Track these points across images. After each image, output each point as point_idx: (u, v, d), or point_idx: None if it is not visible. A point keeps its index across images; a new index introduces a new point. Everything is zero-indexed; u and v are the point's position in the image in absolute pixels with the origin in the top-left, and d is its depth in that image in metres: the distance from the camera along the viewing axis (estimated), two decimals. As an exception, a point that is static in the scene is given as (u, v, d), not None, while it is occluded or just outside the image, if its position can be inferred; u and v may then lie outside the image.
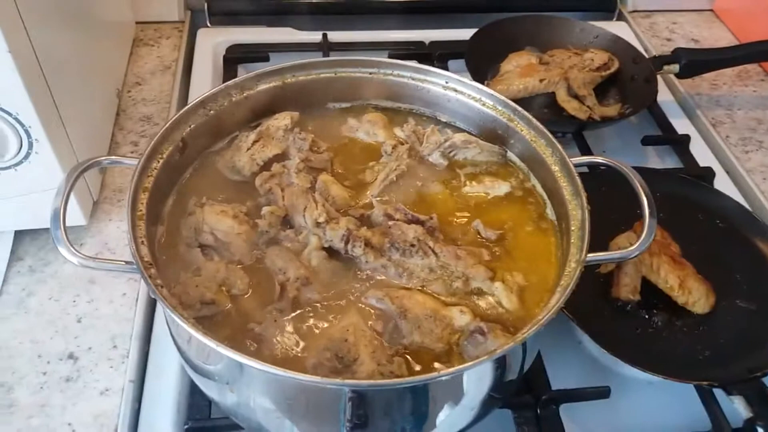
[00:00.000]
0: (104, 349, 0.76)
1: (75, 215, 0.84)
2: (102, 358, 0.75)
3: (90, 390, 0.73)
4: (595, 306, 0.80)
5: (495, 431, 0.72)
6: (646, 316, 0.80)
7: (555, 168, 0.70)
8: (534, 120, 0.73)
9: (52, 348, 0.76)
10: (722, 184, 1.01)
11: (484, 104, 0.78)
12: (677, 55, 1.11)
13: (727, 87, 1.20)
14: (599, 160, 0.71)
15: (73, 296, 0.81)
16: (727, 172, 1.05)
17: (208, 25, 1.29)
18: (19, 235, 0.86)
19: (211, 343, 0.52)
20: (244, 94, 0.77)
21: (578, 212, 0.65)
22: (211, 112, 0.74)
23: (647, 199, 0.65)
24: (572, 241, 0.63)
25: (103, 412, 0.71)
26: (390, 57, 1.18)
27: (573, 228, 0.64)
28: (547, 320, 0.55)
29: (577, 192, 0.66)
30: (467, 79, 0.78)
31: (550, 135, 0.71)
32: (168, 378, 0.74)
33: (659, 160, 1.10)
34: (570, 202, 0.67)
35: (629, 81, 1.12)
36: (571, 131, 1.06)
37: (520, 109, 0.75)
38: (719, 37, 1.33)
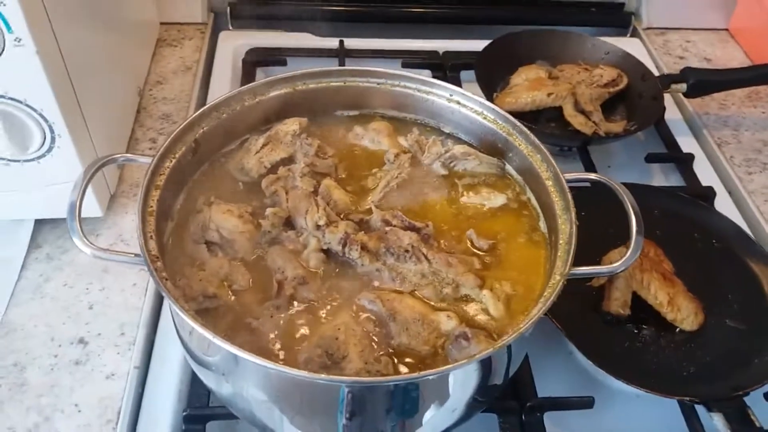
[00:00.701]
0: (113, 336, 0.80)
1: (92, 207, 0.88)
2: (110, 344, 0.79)
3: (97, 373, 0.77)
4: (585, 318, 0.83)
5: (480, 434, 0.75)
6: (635, 331, 0.82)
7: (549, 182, 0.73)
8: (531, 135, 0.75)
9: (64, 332, 0.80)
10: (723, 204, 1.03)
11: (485, 117, 0.81)
12: (685, 74, 1.12)
13: (735, 107, 1.21)
14: (591, 176, 0.73)
15: (86, 284, 0.85)
16: (729, 193, 1.06)
17: (230, 28, 1.34)
18: (39, 224, 0.91)
19: (208, 335, 0.55)
20: (256, 99, 0.80)
21: (567, 227, 0.67)
22: (224, 115, 0.78)
23: (635, 216, 0.67)
24: (559, 254, 0.65)
25: (108, 395, 0.75)
26: (404, 65, 1.23)
27: (561, 242, 0.67)
28: (526, 329, 0.57)
29: (567, 207, 0.68)
30: (470, 93, 0.81)
31: (545, 150, 0.73)
32: (171, 366, 0.78)
33: (663, 177, 1.11)
34: (560, 216, 0.69)
35: (637, 98, 1.14)
36: (577, 146, 1.08)
37: (519, 123, 0.77)
38: (732, 57, 1.34)
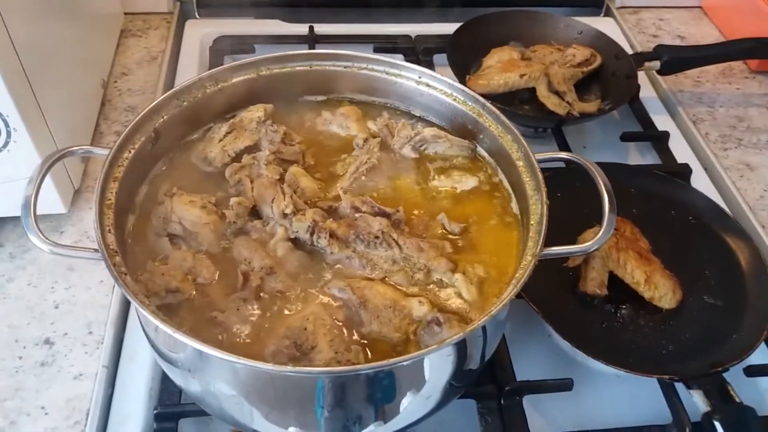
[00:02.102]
0: (80, 335, 0.78)
1: (55, 203, 0.85)
2: (77, 344, 0.77)
3: (64, 374, 0.74)
4: (562, 300, 0.82)
5: (459, 421, 0.74)
6: (613, 311, 0.81)
7: (520, 163, 0.71)
8: (501, 115, 0.74)
9: (29, 333, 0.78)
10: (699, 180, 1.02)
11: (455, 99, 0.79)
12: (658, 51, 1.11)
13: (710, 84, 1.21)
14: (562, 155, 0.72)
15: (51, 283, 0.83)
16: (705, 169, 1.06)
17: (197, 16, 1.31)
18: (0, 223, 0.88)
19: (169, 330, 0.53)
20: (219, 86, 0.78)
21: (538, 207, 0.66)
22: (185, 103, 0.75)
23: (608, 195, 0.66)
24: (530, 235, 0.64)
25: (75, 396, 0.73)
26: (375, 50, 1.21)
27: (533, 222, 0.65)
28: (498, 311, 0.56)
29: (538, 187, 0.67)
30: (439, 75, 0.79)
31: (515, 130, 0.72)
32: (141, 364, 0.76)
33: (639, 156, 1.10)
34: (531, 197, 0.68)
35: (611, 77, 1.13)
36: (551, 127, 1.07)
37: (488, 104, 0.76)
38: (706, 34, 1.34)
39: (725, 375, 0.73)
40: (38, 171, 0.65)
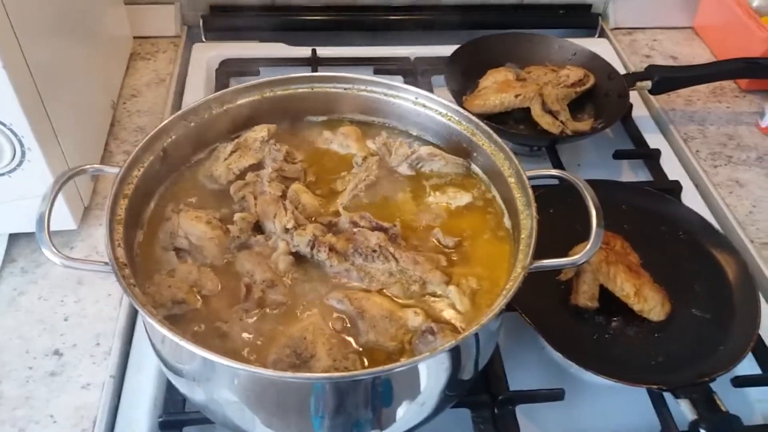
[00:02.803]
0: (88, 346, 0.81)
1: (66, 220, 0.89)
2: (85, 355, 0.80)
3: (73, 384, 0.77)
4: (555, 312, 0.84)
5: (453, 429, 0.76)
6: (604, 323, 0.84)
7: (511, 180, 0.74)
8: (494, 134, 0.77)
9: (40, 344, 0.81)
10: (690, 197, 1.05)
11: (450, 119, 0.82)
12: (649, 71, 1.15)
13: (701, 103, 1.24)
14: (552, 172, 0.75)
15: (61, 296, 0.86)
16: (696, 186, 1.08)
17: (204, 40, 1.35)
18: (13, 238, 0.91)
19: (175, 338, 0.56)
20: (224, 108, 0.82)
21: (528, 222, 0.69)
22: (192, 124, 0.79)
23: (595, 209, 0.69)
24: (521, 248, 0.67)
25: (83, 405, 0.75)
26: (376, 72, 1.25)
27: (523, 236, 0.68)
28: (488, 320, 0.59)
29: (528, 203, 0.70)
30: (435, 96, 0.83)
31: (507, 149, 0.75)
32: (146, 374, 0.79)
33: (632, 173, 1.13)
34: (522, 212, 0.71)
35: (603, 97, 1.16)
36: (545, 145, 1.10)
37: (482, 124, 0.79)
38: (697, 54, 1.37)
39: (712, 385, 0.75)
40: (52, 189, 0.68)
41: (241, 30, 1.36)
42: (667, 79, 1.15)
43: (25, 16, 0.76)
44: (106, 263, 0.63)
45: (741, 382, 0.80)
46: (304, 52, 1.29)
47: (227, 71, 1.25)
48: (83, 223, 0.94)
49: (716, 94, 1.26)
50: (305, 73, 0.86)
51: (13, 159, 0.80)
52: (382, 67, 1.27)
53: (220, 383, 0.62)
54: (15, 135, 0.78)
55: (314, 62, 1.26)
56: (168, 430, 0.73)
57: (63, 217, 0.88)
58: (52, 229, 0.66)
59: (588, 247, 0.67)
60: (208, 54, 1.29)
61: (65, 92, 0.90)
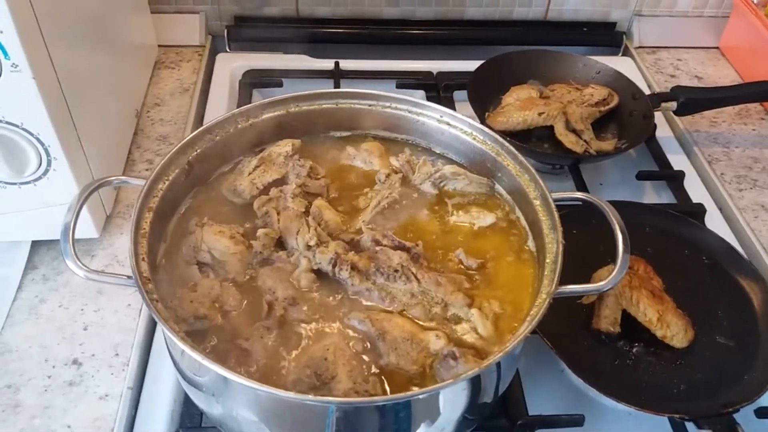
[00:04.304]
0: (107, 357, 0.81)
1: (88, 228, 0.89)
2: (104, 365, 0.80)
3: (91, 394, 0.77)
4: (576, 336, 0.83)
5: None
6: (626, 348, 0.83)
7: (537, 202, 0.74)
8: (519, 155, 0.77)
9: (59, 353, 0.81)
10: (714, 221, 1.04)
11: (474, 138, 0.82)
12: (675, 92, 1.14)
13: (726, 125, 1.22)
14: (578, 195, 0.74)
15: (81, 305, 0.86)
16: (720, 209, 1.07)
17: (228, 50, 1.36)
18: (36, 246, 0.92)
19: (197, 356, 0.56)
20: (249, 122, 0.82)
21: (554, 246, 0.68)
22: (217, 137, 0.79)
23: (622, 234, 0.68)
24: (546, 273, 0.66)
25: (101, 416, 0.75)
26: (398, 86, 1.25)
27: (548, 261, 0.68)
28: (513, 348, 0.58)
29: (554, 226, 0.69)
30: (460, 114, 0.82)
31: (533, 170, 0.75)
32: (164, 387, 0.79)
33: (655, 194, 1.12)
34: (548, 235, 0.70)
35: (628, 116, 1.15)
36: (568, 164, 1.09)
37: (507, 144, 0.78)
38: (723, 75, 1.36)
39: (735, 416, 0.74)
40: (77, 199, 0.68)
41: (265, 41, 1.36)
42: (693, 100, 1.13)
43: (54, 26, 0.77)
44: (129, 277, 0.63)
45: (765, 413, 0.79)
46: (327, 64, 1.29)
47: (250, 82, 1.25)
48: (104, 232, 0.94)
49: (742, 116, 1.24)
50: (330, 89, 0.86)
51: (39, 168, 0.80)
52: (405, 81, 1.27)
53: (239, 401, 0.62)
54: (41, 144, 0.78)
55: (337, 75, 1.26)
56: (184, 445, 0.73)
57: (85, 226, 0.88)
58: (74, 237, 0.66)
59: (614, 273, 0.66)
60: (232, 64, 1.30)
61: (91, 101, 0.90)
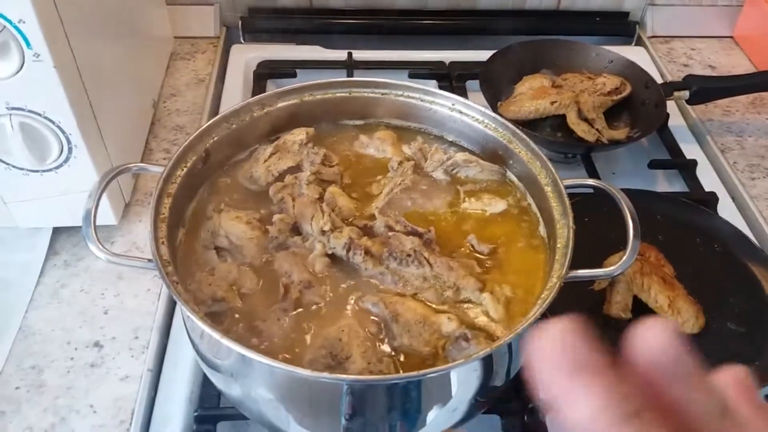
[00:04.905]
0: (127, 339, 0.83)
1: (107, 215, 0.91)
2: (124, 348, 0.82)
3: (112, 376, 0.79)
4: (586, 321, 0.84)
5: (483, 435, 0.77)
6: (637, 334, 0.83)
7: (548, 188, 0.75)
8: (531, 142, 0.77)
9: (81, 336, 0.83)
10: (726, 209, 1.04)
11: (486, 126, 0.83)
12: (687, 81, 1.14)
13: (739, 114, 1.22)
14: (589, 182, 0.75)
15: (102, 290, 0.88)
16: (733, 198, 1.07)
17: (242, 41, 1.37)
18: (57, 232, 0.94)
19: (216, 335, 0.58)
20: (265, 110, 0.83)
21: (564, 231, 0.69)
22: (234, 125, 0.81)
23: (632, 220, 0.69)
24: (557, 257, 0.67)
25: (122, 397, 0.77)
26: (410, 76, 1.26)
27: (559, 246, 0.68)
28: (523, 330, 0.59)
29: (565, 212, 0.70)
30: (472, 102, 0.83)
31: (544, 157, 0.75)
32: (183, 369, 0.81)
33: (667, 183, 1.12)
34: (559, 221, 0.71)
35: (640, 105, 1.15)
36: (580, 153, 1.10)
37: (519, 131, 0.79)
38: (737, 64, 1.35)
39: (746, 400, 0.75)
40: (98, 186, 0.70)
41: (279, 33, 1.38)
42: (706, 89, 1.13)
43: (74, 17, 0.79)
44: (150, 260, 0.65)
45: (776, 398, 0.79)
46: (341, 55, 1.30)
47: (265, 72, 1.27)
48: (123, 219, 0.96)
49: (755, 105, 1.24)
50: (344, 77, 0.87)
51: (60, 155, 0.82)
52: (417, 71, 1.27)
53: (257, 380, 0.64)
54: (63, 132, 0.80)
55: (350, 65, 1.27)
56: (203, 424, 0.75)
57: (105, 213, 0.91)
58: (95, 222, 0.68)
59: (624, 258, 0.67)
60: (247, 55, 1.31)
61: (110, 91, 0.92)
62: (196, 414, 0.76)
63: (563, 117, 1.11)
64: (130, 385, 0.79)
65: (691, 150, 1.15)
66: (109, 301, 0.87)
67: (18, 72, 0.73)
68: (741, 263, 0.91)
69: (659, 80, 1.20)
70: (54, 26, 0.75)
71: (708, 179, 1.09)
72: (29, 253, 0.91)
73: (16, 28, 0.70)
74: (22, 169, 0.82)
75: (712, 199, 1.04)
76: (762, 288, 0.88)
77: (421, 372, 0.57)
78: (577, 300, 0.85)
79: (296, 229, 0.75)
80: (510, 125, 0.80)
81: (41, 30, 0.71)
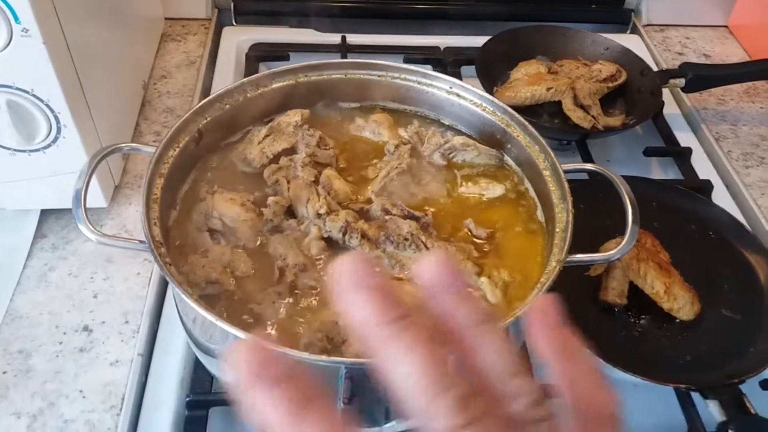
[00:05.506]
0: (116, 324, 0.82)
1: (97, 198, 0.90)
2: (114, 332, 0.81)
3: (101, 360, 0.78)
4: (583, 308, 0.84)
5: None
6: (632, 320, 0.83)
7: (546, 173, 0.74)
8: (529, 126, 0.77)
9: (69, 320, 0.81)
10: (720, 197, 1.04)
11: (484, 109, 0.82)
12: (683, 69, 1.13)
13: (734, 102, 1.22)
14: (588, 167, 0.74)
15: (90, 273, 0.87)
16: (727, 186, 1.07)
17: (234, 23, 1.35)
18: (45, 214, 0.92)
19: (211, 317, 0.57)
20: (259, 91, 0.81)
21: (564, 215, 0.68)
22: (227, 106, 0.79)
23: (631, 206, 0.69)
24: (555, 242, 0.66)
25: (112, 381, 0.76)
26: (405, 61, 1.24)
27: (558, 230, 0.68)
28: (522, 313, 0.58)
29: (564, 196, 0.69)
30: (469, 85, 0.82)
31: (543, 141, 0.75)
32: (174, 354, 0.79)
33: (662, 171, 1.12)
34: (557, 205, 0.70)
35: (636, 93, 1.15)
36: (575, 140, 1.09)
37: (517, 115, 0.78)
38: (731, 53, 1.35)
39: (741, 387, 0.75)
40: (88, 165, 0.69)
41: (271, 15, 1.36)
42: (702, 77, 1.13)
43: (64, -7, 0.77)
44: (142, 242, 0.64)
45: (770, 385, 0.79)
46: (334, 38, 1.28)
47: (257, 55, 1.25)
48: (113, 202, 0.94)
49: (750, 94, 1.24)
50: (340, 59, 0.86)
51: (48, 135, 0.80)
52: (412, 55, 1.26)
53: (252, 365, 0.63)
54: (52, 111, 0.78)
55: (344, 49, 1.25)
56: (195, 410, 0.74)
57: (94, 195, 0.89)
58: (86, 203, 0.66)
59: (623, 243, 0.67)
60: (239, 38, 1.29)
61: (100, 71, 0.90)
62: (188, 399, 0.74)
63: (559, 104, 1.10)
64: (121, 370, 0.77)
65: (685, 138, 1.14)
66: (98, 285, 0.85)
67: (6, 48, 0.71)
68: (736, 250, 0.91)
69: (654, 68, 1.20)
70: (44, 2, 0.72)
71: (702, 167, 1.09)
72: (16, 235, 0.89)
73: (4, 1, 0.68)
74: (9, 148, 0.80)
75: (707, 186, 1.04)
76: (756, 275, 0.88)
77: (420, 355, 0.56)
78: (573, 286, 0.85)
79: (291, 212, 0.74)
80: (508, 109, 0.79)
81: (30, 3, 0.69)
